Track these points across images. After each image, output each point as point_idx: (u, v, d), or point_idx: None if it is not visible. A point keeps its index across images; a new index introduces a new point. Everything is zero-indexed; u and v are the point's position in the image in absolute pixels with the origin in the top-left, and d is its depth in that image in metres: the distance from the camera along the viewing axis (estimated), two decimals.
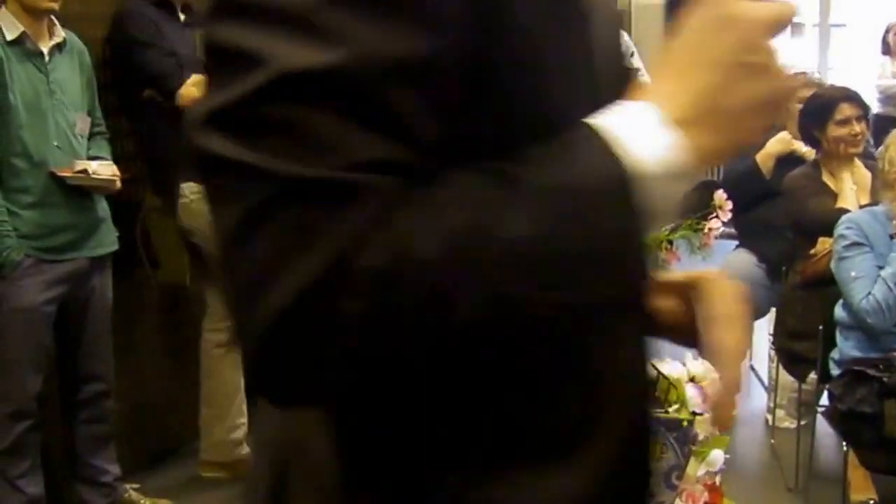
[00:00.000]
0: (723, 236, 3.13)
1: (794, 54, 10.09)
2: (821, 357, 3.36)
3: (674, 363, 1.93)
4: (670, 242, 2.16)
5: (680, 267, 2.26)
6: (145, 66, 3.43)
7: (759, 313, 4.39)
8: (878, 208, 3.26)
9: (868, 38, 8.71)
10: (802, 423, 4.13)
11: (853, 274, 3.14)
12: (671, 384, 1.87)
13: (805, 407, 4.18)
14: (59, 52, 3.11)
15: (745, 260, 4.22)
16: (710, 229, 2.14)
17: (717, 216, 2.14)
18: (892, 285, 3.07)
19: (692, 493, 1.83)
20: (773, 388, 4.37)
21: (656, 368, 1.94)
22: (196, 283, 3.68)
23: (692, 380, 1.88)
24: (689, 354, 1.96)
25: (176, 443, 3.96)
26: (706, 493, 1.84)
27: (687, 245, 2.17)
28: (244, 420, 3.80)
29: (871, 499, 3.51)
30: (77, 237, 3.13)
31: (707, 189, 2.17)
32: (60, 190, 3.06)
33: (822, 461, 3.85)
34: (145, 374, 3.83)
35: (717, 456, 1.85)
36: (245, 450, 3.79)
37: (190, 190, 3.52)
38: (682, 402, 1.79)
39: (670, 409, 1.77)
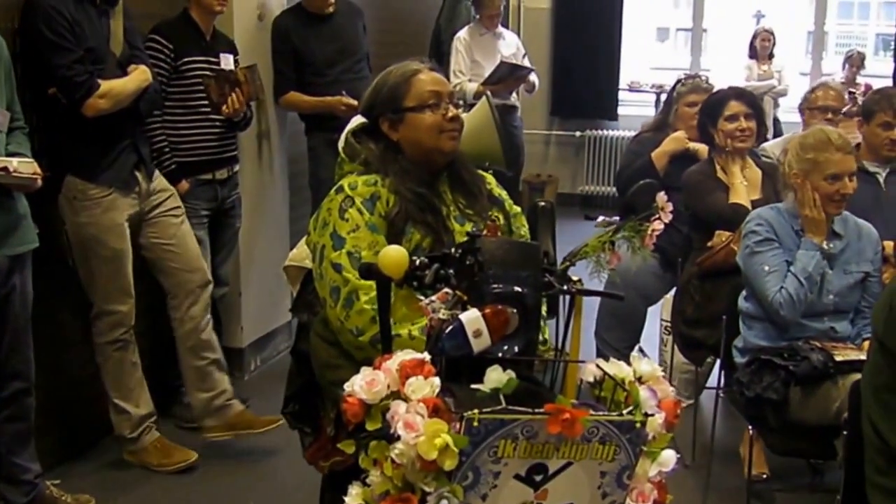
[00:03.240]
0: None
1: (666, 57, 10.26)
2: (724, 345, 3.34)
3: (619, 363, 1.85)
4: (612, 244, 2.09)
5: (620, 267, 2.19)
6: (54, 70, 3.20)
7: (652, 300, 4.41)
8: (782, 205, 3.25)
9: (735, 42, 8.91)
10: (693, 402, 4.16)
11: (766, 268, 3.13)
12: (619, 385, 1.79)
13: (696, 388, 4.21)
14: None
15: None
16: (653, 230, 2.07)
17: (659, 218, 2.07)
18: (803, 280, 3.07)
19: (642, 491, 1.76)
20: (665, 370, 4.36)
21: (602, 370, 1.87)
22: (75, 268, 3.50)
23: (640, 380, 1.81)
24: (634, 354, 1.89)
25: (95, 436, 3.76)
26: (655, 491, 1.78)
27: (628, 246, 2.10)
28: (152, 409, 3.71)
29: (764, 473, 3.56)
30: None
31: (649, 191, 2.10)
32: None
33: (715, 439, 3.86)
34: (61, 366, 3.61)
35: (669, 455, 1.78)
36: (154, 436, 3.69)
37: (75, 187, 3.37)
38: (637, 405, 1.72)
39: (624, 412, 1.69)
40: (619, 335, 4.30)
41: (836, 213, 3.18)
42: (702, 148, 4.22)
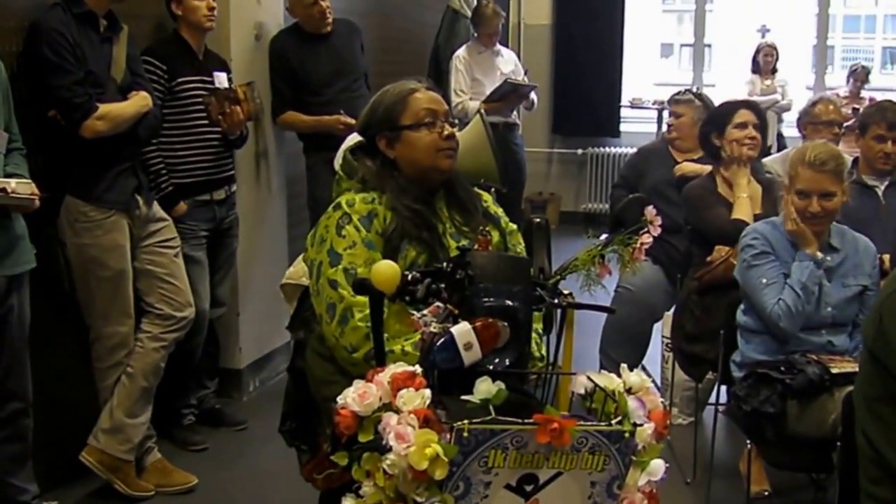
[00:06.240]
0: None
1: (671, 74, 10.34)
2: (721, 359, 3.39)
3: (610, 375, 1.91)
4: (602, 257, 2.14)
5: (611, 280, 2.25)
6: (54, 91, 3.28)
7: (658, 317, 4.46)
8: (777, 219, 3.31)
9: (740, 56, 8.97)
10: (693, 419, 4.20)
11: (764, 281, 3.18)
12: (609, 396, 1.84)
13: (696, 404, 4.25)
14: None
15: (649, 266, 4.24)
16: (641, 244, 2.12)
17: (648, 231, 2.12)
18: (799, 291, 3.12)
19: (632, 501, 1.81)
20: (667, 387, 4.41)
21: (593, 381, 1.92)
22: (71, 290, 3.56)
23: (629, 390, 1.86)
24: (623, 366, 1.94)
25: None
26: (645, 501, 1.83)
27: (618, 259, 2.16)
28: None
29: (766, 490, 3.60)
30: None
31: (638, 204, 2.16)
32: None
33: (716, 456, 3.90)
34: (59, 386, 3.64)
35: (658, 465, 1.84)
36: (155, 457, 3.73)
37: (76, 208, 3.42)
38: (626, 415, 1.77)
39: (613, 422, 1.75)
40: (625, 352, 4.31)
41: (814, 230, 3.20)
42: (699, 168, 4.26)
